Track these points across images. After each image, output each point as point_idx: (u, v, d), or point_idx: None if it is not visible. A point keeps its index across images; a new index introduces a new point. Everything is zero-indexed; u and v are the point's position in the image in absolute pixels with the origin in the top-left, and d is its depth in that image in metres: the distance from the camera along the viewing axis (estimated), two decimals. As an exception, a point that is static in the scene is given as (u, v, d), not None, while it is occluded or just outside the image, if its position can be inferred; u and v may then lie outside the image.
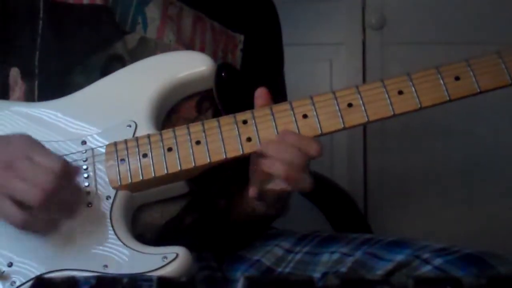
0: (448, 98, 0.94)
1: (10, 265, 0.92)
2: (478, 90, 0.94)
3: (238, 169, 1.02)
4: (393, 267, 0.91)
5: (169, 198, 1.01)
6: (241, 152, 0.95)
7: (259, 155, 0.94)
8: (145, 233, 1.00)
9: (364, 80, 2.00)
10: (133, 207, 0.99)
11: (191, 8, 1.10)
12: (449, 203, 2.01)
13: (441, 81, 0.94)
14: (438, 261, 0.88)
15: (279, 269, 1.04)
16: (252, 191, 0.97)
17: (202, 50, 1.10)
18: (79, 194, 0.94)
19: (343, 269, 0.95)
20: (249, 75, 1.15)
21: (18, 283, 0.91)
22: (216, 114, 1.06)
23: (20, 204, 0.87)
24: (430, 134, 1.99)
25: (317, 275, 0.99)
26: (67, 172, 0.89)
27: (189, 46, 1.08)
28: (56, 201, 0.89)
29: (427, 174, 2.01)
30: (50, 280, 0.55)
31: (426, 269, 0.88)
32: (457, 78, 0.94)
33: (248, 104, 0.98)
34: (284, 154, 0.92)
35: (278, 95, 1.24)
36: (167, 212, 1.02)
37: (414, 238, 0.97)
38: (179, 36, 1.07)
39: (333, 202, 1.60)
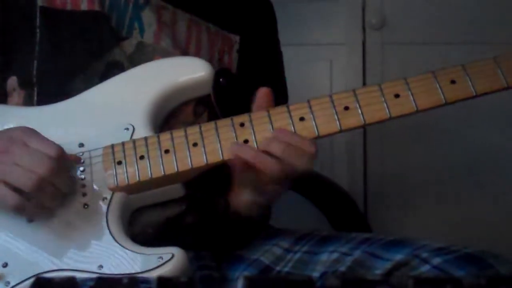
0: (444, 101, 0.95)
1: (5, 265, 0.92)
2: (474, 94, 0.95)
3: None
4: (392, 267, 0.91)
5: (169, 201, 1.01)
6: None
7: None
8: (145, 232, 1.00)
9: (364, 80, 2.00)
10: (130, 209, 0.99)
11: (184, 12, 1.10)
12: (449, 203, 2.01)
13: (437, 85, 0.95)
14: (436, 261, 0.88)
15: (278, 268, 1.04)
16: None
17: (197, 53, 1.10)
18: (74, 184, 0.94)
19: (342, 269, 0.95)
20: (246, 78, 1.15)
21: (12, 283, 0.91)
22: (211, 118, 1.06)
23: (14, 188, 0.88)
24: (430, 134, 1.99)
25: (316, 274, 0.99)
26: (63, 159, 0.91)
27: (184, 50, 1.09)
28: (50, 188, 0.90)
29: (427, 174, 2.01)
30: (50, 280, 0.55)
31: (425, 269, 0.88)
32: (453, 82, 0.95)
33: (245, 109, 0.99)
34: (275, 149, 0.93)
35: (278, 95, 1.25)
36: (167, 214, 1.02)
37: (413, 237, 0.97)
38: (175, 41, 1.08)
39: (333, 202, 1.60)
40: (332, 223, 1.54)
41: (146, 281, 0.64)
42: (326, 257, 1.00)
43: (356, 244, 0.99)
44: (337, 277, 0.53)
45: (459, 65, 0.96)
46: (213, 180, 1.04)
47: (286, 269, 1.03)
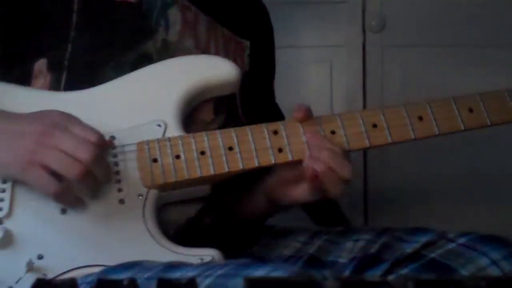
0: (463, 128, 1.01)
1: (40, 257, 0.90)
2: (489, 123, 1.02)
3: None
4: (420, 246, 0.98)
5: (191, 199, 1.02)
6: (273, 162, 0.97)
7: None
8: (166, 232, 0.99)
9: (364, 82, 2.00)
10: (159, 206, 0.98)
11: (205, 14, 1.12)
12: (450, 205, 2.01)
13: (457, 112, 1.01)
14: (462, 240, 0.96)
15: (301, 254, 1.07)
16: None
17: (216, 55, 1.11)
18: (109, 173, 0.94)
19: (372, 251, 1.01)
20: (258, 81, 1.19)
21: (49, 277, 0.89)
22: (228, 117, 1.09)
23: (54, 174, 0.86)
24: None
25: (343, 260, 1.03)
26: (105, 145, 0.91)
27: (205, 51, 1.10)
28: (92, 175, 0.89)
29: (428, 174, 2.01)
30: (50, 281, 0.55)
31: (451, 247, 0.96)
32: (470, 110, 1.02)
33: (262, 111, 1.02)
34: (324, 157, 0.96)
35: (272, 100, 1.28)
36: (187, 212, 1.03)
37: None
38: (197, 42, 1.09)
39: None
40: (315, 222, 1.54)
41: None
42: (351, 245, 1.04)
43: (378, 233, 1.04)
44: (337, 279, 0.54)
45: (477, 94, 1.02)
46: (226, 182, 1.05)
47: (311, 251, 1.07)
